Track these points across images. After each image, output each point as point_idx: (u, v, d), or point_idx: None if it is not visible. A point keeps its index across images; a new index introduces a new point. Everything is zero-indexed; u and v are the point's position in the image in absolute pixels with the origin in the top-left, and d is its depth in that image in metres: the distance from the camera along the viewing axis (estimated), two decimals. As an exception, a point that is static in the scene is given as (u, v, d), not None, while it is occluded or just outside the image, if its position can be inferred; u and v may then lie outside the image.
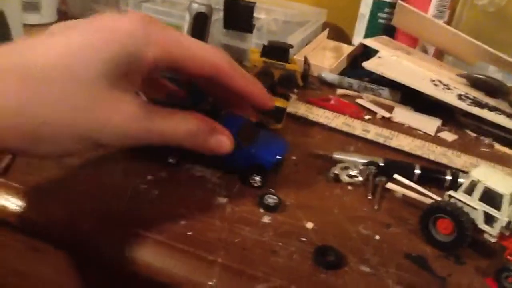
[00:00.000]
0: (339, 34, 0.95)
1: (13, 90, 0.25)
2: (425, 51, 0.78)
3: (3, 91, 0.24)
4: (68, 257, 0.36)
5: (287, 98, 0.50)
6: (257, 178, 0.39)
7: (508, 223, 0.34)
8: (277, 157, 0.40)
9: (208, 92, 0.38)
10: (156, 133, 0.30)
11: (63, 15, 0.74)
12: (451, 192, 0.36)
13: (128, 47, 0.27)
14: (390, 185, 0.40)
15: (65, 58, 0.26)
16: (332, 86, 0.66)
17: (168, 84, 0.39)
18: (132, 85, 0.29)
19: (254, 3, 0.64)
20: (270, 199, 0.37)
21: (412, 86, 0.59)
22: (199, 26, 0.62)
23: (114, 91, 0.27)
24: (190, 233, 0.33)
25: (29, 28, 0.66)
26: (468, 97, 0.60)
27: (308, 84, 0.64)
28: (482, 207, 0.34)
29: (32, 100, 0.25)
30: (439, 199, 0.38)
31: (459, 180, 0.43)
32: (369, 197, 0.41)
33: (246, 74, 0.34)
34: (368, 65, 0.62)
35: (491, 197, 0.34)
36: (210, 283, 0.30)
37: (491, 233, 0.34)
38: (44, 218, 0.34)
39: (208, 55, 0.32)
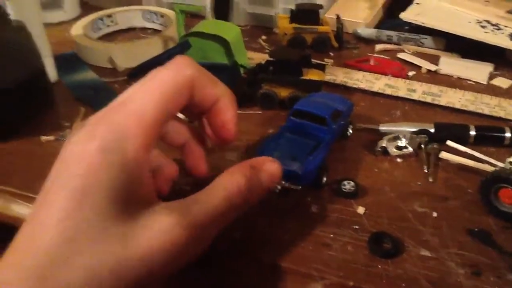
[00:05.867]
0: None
1: None
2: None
3: None
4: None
5: (322, 68, 0.47)
6: None
7: None
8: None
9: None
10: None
11: (87, 7, 0.72)
12: (512, 159, 0.33)
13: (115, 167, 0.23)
14: (444, 155, 0.38)
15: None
16: (369, 41, 0.62)
17: None
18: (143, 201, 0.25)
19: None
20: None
21: (457, 33, 0.54)
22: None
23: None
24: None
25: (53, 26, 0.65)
26: (521, 36, 0.54)
27: (343, 44, 0.60)
28: (549, 172, 0.31)
29: None
30: (499, 164, 0.35)
31: (520, 136, 0.40)
32: (425, 170, 0.38)
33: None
34: (407, 15, 0.57)
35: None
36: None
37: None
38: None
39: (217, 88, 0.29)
